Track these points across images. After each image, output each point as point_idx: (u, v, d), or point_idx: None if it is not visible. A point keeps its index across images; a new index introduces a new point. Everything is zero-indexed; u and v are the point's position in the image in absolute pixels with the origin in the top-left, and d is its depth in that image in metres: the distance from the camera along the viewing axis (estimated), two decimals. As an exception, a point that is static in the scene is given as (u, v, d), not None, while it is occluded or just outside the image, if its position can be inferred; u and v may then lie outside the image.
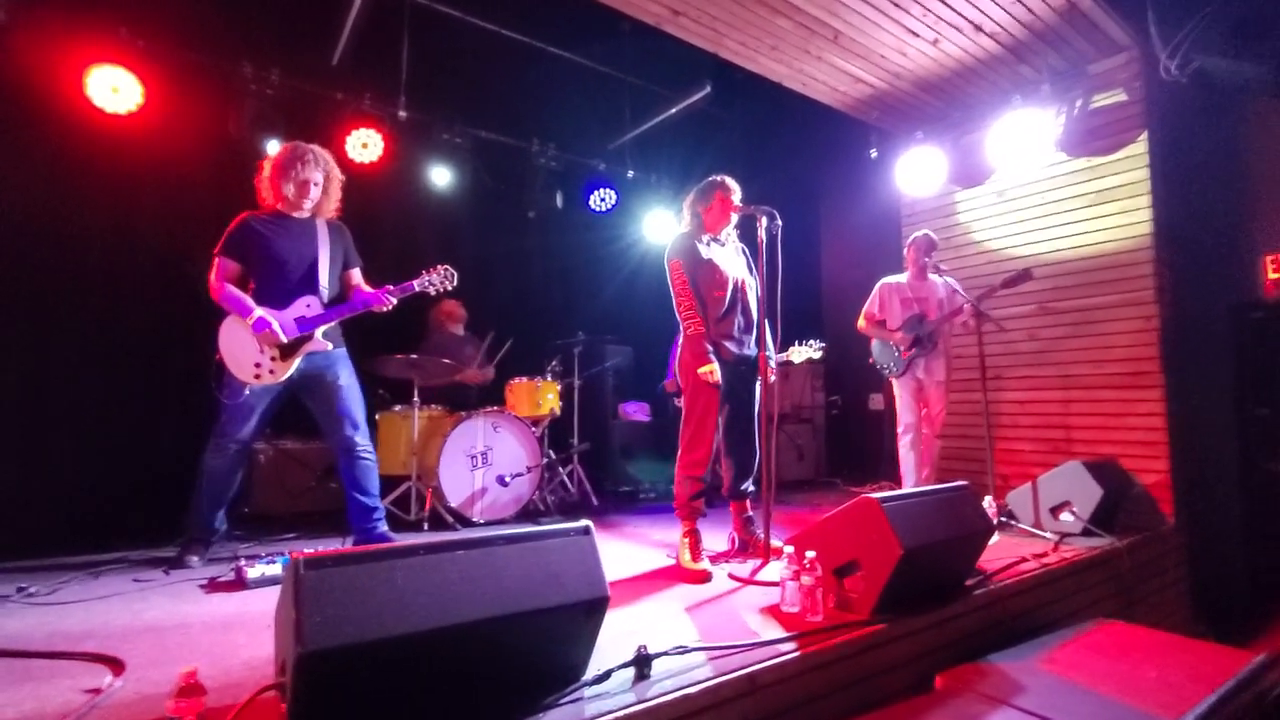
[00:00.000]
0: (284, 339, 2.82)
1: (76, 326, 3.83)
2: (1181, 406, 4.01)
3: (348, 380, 3.02)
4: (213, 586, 2.55)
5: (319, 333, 2.91)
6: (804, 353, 3.46)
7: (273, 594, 1.58)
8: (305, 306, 2.90)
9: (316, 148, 3.01)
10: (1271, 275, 4.05)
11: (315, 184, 2.97)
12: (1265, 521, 4.06)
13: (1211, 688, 1.98)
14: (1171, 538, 3.81)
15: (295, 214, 2.99)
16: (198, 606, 2.31)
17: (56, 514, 3.52)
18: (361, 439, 3.02)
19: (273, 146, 4.23)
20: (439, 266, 3.08)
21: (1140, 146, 4.04)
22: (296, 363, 2.87)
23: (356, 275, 3.14)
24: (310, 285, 2.94)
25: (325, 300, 2.96)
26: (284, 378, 2.86)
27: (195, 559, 2.86)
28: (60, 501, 3.60)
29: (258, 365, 2.82)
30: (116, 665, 1.74)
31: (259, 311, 2.80)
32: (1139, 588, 3.36)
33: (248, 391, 2.84)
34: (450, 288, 3.11)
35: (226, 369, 2.83)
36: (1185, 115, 4.22)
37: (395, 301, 3.02)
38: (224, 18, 4.21)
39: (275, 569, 2.57)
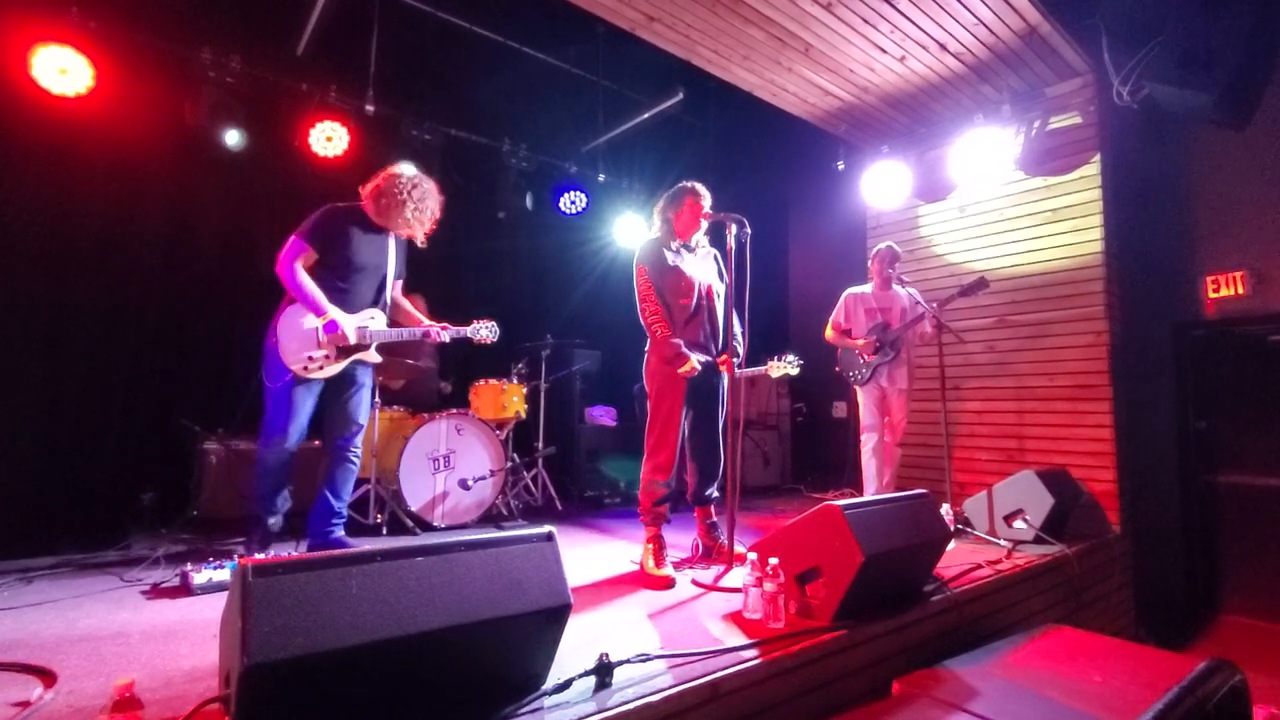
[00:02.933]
0: (352, 343, 2.88)
1: (15, 318, 3.63)
2: (1128, 419, 4.17)
3: (367, 380, 3.09)
4: (156, 593, 2.44)
5: (374, 345, 2.98)
6: (782, 368, 3.48)
7: (220, 600, 1.52)
8: (370, 318, 2.98)
9: (427, 183, 3.06)
10: (1211, 295, 4.24)
11: (421, 215, 3.04)
12: (1202, 530, 4.24)
13: (1153, 692, 2.05)
14: (1117, 545, 3.94)
15: (379, 223, 3.00)
16: (138, 614, 2.21)
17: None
18: (357, 440, 3.06)
19: (234, 137, 4.11)
20: (487, 320, 3.26)
21: (1093, 168, 4.19)
22: (345, 365, 2.92)
23: (399, 285, 3.21)
24: (378, 298, 3.03)
25: (388, 313, 3.06)
26: (327, 375, 2.90)
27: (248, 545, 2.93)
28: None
29: (311, 358, 2.84)
30: (48, 677, 1.65)
31: (333, 313, 2.83)
32: (1086, 593, 3.47)
33: (289, 377, 2.84)
34: (491, 341, 3.28)
35: (278, 353, 2.82)
36: (1135, 139, 4.41)
37: (447, 339, 3.17)
38: (184, 2, 4.07)
39: (224, 574, 2.47)
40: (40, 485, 3.57)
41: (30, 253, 3.69)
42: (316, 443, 3.93)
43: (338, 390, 3.00)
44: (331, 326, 2.81)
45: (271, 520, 2.99)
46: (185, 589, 2.44)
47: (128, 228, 3.99)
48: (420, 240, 3.13)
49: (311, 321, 2.83)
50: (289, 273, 2.81)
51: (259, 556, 2.65)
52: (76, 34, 3.53)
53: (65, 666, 1.72)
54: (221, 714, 1.30)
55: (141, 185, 4.03)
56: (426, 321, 3.17)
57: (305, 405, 2.90)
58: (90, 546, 3.07)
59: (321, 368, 2.86)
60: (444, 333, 3.13)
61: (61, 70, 3.48)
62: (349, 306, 2.92)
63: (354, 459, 3.03)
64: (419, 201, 2.98)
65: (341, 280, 2.90)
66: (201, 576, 2.44)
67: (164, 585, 2.51)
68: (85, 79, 3.54)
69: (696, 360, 2.82)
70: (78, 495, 3.60)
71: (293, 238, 2.84)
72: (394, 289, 3.16)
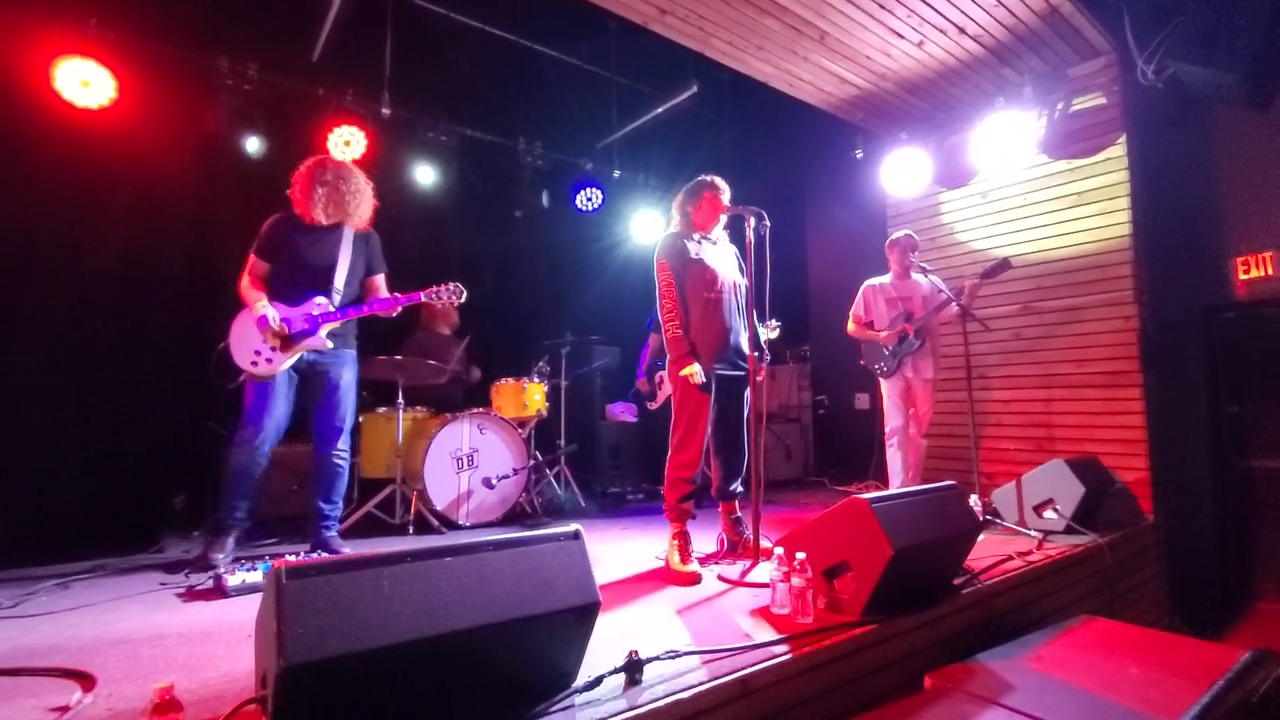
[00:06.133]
0: (279, 330, 2.91)
1: (45, 326, 3.71)
2: (1159, 405, 4.08)
3: (348, 381, 3.12)
4: (190, 595, 2.48)
5: (322, 332, 2.98)
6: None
7: (253, 602, 1.53)
8: (315, 305, 2.99)
9: (346, 163, 3.18)
10: (1241, 277, 4.14)
11: (340, 197, 3.07)
12: (1236, 517, 4.14)
13: (1192, 683, 2.01)
14: (1150, 534, 3.87)
15: (323, 221, 3.07)
16: (174, 616, 2.24)
17: (23, 521, 3.40)
18: (342, 443, 3.09)
19: (253, 144, 4.16)
20: (450, 284, 3.18)
21: (1119, 149, 4.10)
22: (294, 358, 2.95)
23: (379, 281, 3.24)
24: (324, 287, 3.03)
25: (338, 303, 3.05)
26: (279, 369, 2.92)
27: (219, 556, 2.83)
28: (28, 507, 3.47)
29: (257, 353, 2.91)
30: (87, 681, 1.67)
31: (262, 305, 2.90)
32: (1120, 583, 3.41)
33: (242, 377, 2.94)
34: (458, 303, 3.21)
35: (230, 354, 2.94)
36: (1161, 120, 4.29)
37: (400, 310, 3.14)
38: (200, 10, 4.12)
39: (256, 576, 2.50)
40: (75, 492, 3.65)
41: (59, 262, 3.77)
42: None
43: (314, 393, 3.05)
44: (258, 315, 2.88)
45: (234, 531, 2.91)
46: (219, 591, 2.47)
47: (153, 236, 4.06)
48: (360, 222, 3.14)
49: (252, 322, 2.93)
50: (239, 282, 3.01)
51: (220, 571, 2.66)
52: (97, 46, 3.59)
53: (104, 670, 1.75)
54: (259, 714, 1.32)
55: (165, 193, 4.09)
56: (384, 296, 3.17)
57: (277, 403, 2.94)
58: (125, 550, 3.13)
59: (270, 361, 2.90)
60: (397, 303, 3.09)
61: (84, 83, 3.55)
62: (296, 303, 2.97)
63: (338, 460, 3.07)
64: (315, 175, 3.03)
65: (288, 280, 2.99)
66: (235, 579, 2.48)
67: (198, 588, 2.55)
68: (108, 90, 3.60)
69: (700, 372, 2.79)
70: (111, 501, 3.67)
71: (249, 256, 3.03)
72: (371, 282, 3.19)
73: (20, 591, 2.48)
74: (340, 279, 3.05)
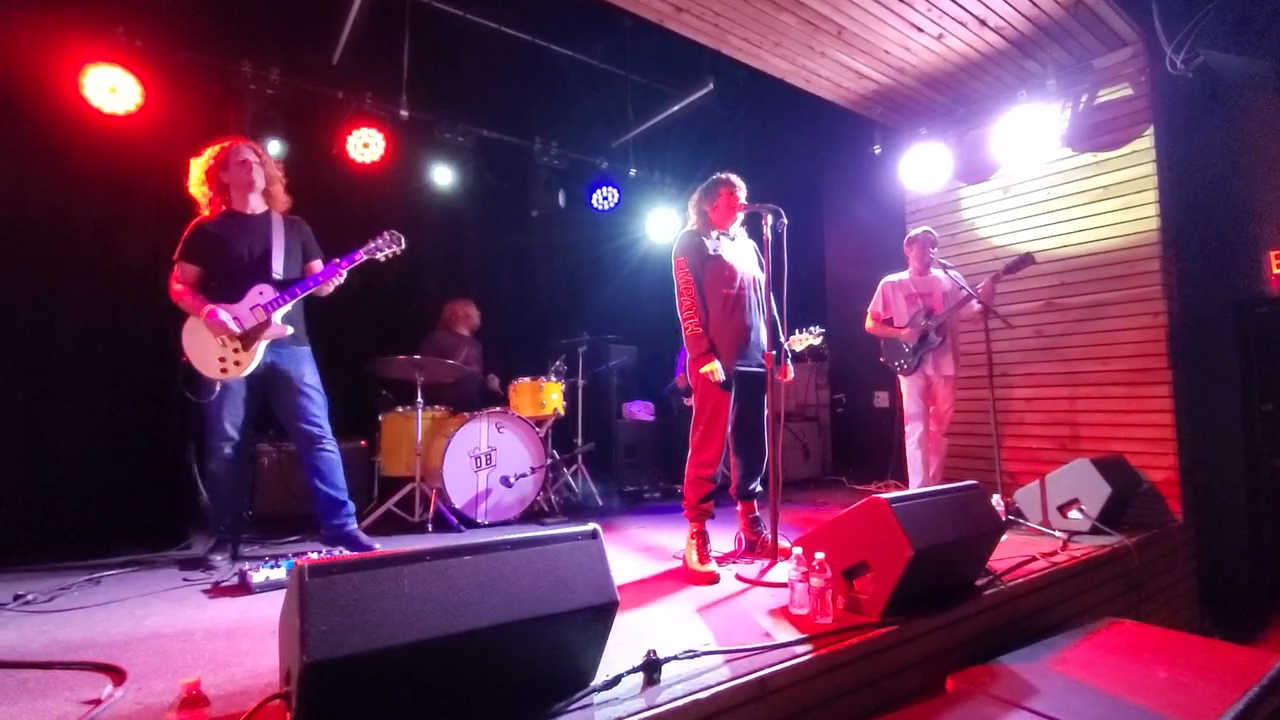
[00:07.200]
0: (235, 329, 2.84)
1: (77, 328, 3.80)
2: (1189, 403, 3.99)
3: (312, 380, 3.06)
4: (216, 591, 2.53)
5: (277, 317, 2.91)
6: (805, 339, 3.40)
7: (277, 599, 1.56)
8: (258, 294, 2.91)
9: (241, 141, 3.07)
10: (1276, 271, 4.02)
11: (252, 170, 2.99)
12: (1270, 517, 4.03)
13: (1223, 687, 1.96)
14: (1179, 535, 3.78)
15: (246, 211, 3.02)
16: (201, 612, 2.29)
17: (57, 517, 3.49)
18: (322, 434, 3.03)
19: (275, 148, 4.22)
20: (385, 232, 3.06)
21: (1146, 141, 4.01)
22: (260, 353, 2.89)
23: (317, 265, 3.13)
24: (263, 274, 2.93)
25: (279, 286, 2.97)
26: (251, 368, 2.87)
27: (219, 558, 2.88)
28: (61, 504, 3.56)
29: (222, 360, 2.86)
30: (117, 675, 1.71)
31: (207, 307, 2.83)
32: (1148, 585, 3.34)
33: (219, 387, 2.88)
34: (399, 250, 3.08)
35: (194, 369, 2.87)
36: (1191, 110, 4.19)
37: (344, 275, 3.02)
38: (222, 17, 4.18)
39: (280, 573, 2.55)
40: (105, 489, 3.73)
41: (89, 263, 3.85)
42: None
43: (279, 390, 2.99)
44: (211, 315, 2.80)
45: (228, 544, 2.96)
46: (244, 588, 2.52)
47: (180, 238, 4.13)
48: (280, 204, 3.08)
49: (203, 327, 2.84)
50: (174, 294, 2.90)
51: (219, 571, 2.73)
52: (124, 54, 3.66)
53: (133, 664, 1.79)
54: (283, 710, 1.34)
55: (190, 197, 4.16)
56: (319, 267, 3.07)
57: (235, 404, 2.91)
58: (153, 547, 3.20)
59: (238, 364, 2.85)
60: (339, 268, 2.97)
61: (111, 89, 3.62)
62: (238, 299, 2.89)
63: (326, 448, 3.02)
64: (220, 160, 2.97)
65: (227, 276, 2.90)
66: (259, 576, 2.52)
67: (224, 584, 2.60)
68: (134, 96, 3.67)
69: (720, 369, 2.78)
70: (140, 498, 3.74)
71: (174, 264, 2.94)
72: (310, 268, 3.08)
73: (53, 586, 2.55)
74: (278, 264, 2.96)
